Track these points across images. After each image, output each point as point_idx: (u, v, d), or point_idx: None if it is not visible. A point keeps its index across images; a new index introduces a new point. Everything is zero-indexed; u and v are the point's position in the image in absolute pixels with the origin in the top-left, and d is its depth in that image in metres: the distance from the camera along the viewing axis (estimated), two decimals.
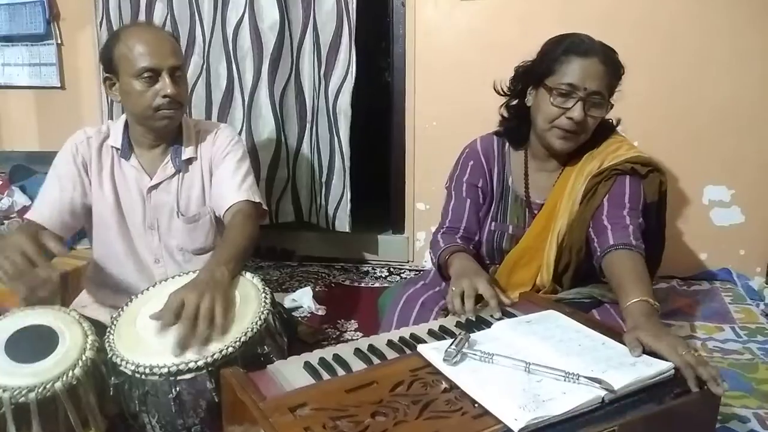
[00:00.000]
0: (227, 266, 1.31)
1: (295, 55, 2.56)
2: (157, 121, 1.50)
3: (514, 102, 1.53)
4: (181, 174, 1.58)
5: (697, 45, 2.29)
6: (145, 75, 1.44)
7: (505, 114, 1.56)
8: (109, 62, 1.49)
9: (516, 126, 1.52)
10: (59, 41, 2.84)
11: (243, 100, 2.59)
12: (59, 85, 2.89)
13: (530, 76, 1.45)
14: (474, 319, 1.20)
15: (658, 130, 2.36)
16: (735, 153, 2.34)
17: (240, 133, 2.57)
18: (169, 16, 2.61)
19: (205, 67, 2.62)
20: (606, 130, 1.48)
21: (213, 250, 1.62)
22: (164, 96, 1.45)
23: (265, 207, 1.61)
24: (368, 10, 2.57)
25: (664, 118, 2.37)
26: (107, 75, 1.52)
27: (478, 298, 1.25)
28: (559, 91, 1.36)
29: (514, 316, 1.21)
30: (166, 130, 1.54)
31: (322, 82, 2.54)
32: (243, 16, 2.50)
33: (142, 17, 2.61)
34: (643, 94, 2.36)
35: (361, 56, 2.48)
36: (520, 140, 1.53)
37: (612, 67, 1.38)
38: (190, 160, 1.59)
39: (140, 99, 1.46)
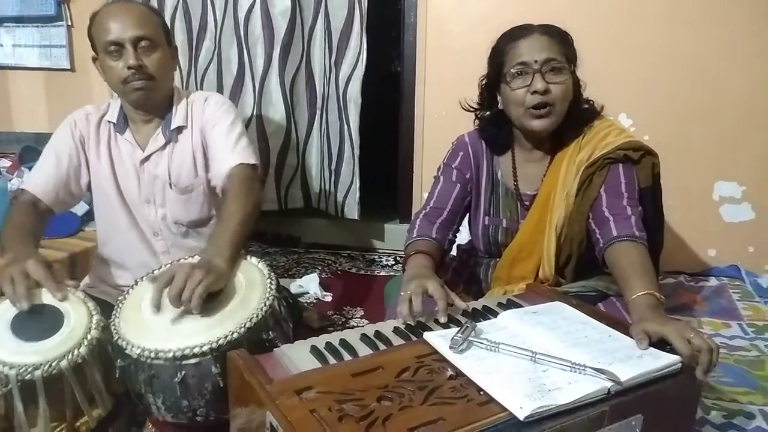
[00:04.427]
0: (225, 253, 1.29)
1: (306, 41, 2.55)
2: (129, 94, 1.49)
3: (488, 113, 1.53)
4: (171, 144, 1.57)
5: (712, 41, 2.27)
6: (111, 49, 1.44)
7: (480, 125, 1.55)
8: (91, 42, 1.51)
9: (495, 133, 1.51)
10: (69, 23, 2.85)
11: (254, 86, 2.59)
12: (69, 67, 2.90)
13: (491, 81, 1.46)
14: (413, 324, 1.14)
15: (670, 124, 2.35)
16: (747, 149, 2.32)
17: (250, 120, 2.58)
18: (181, 2, 2.60)
19: (216, 52, 2.61)
20: (590, 115, 1.46)
21: (208, 221, 1.63)
22: (129, 67, 1.44)
23: (257, 167, 1.56)
24: None
25: (676, 113, 2.35)
26: (94, 55, 1.53)
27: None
28: (513, 75, 1.36)
29: (521, 306, 1.21)
30: (145, 105, 1.52)
31: (333, 69, 2.53)
32: (255, 1, 2.50)
33: (153, 3, 2.61)
34: (656, 88, 2.35)
35: (371, 44, 2.46)
36: (501, 146, 1.52)
37: (557, 36, 1.38)
38: (180, 129, 1.57)
39: (111, 74, 1.47)
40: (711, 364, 0.96)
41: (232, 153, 1.51)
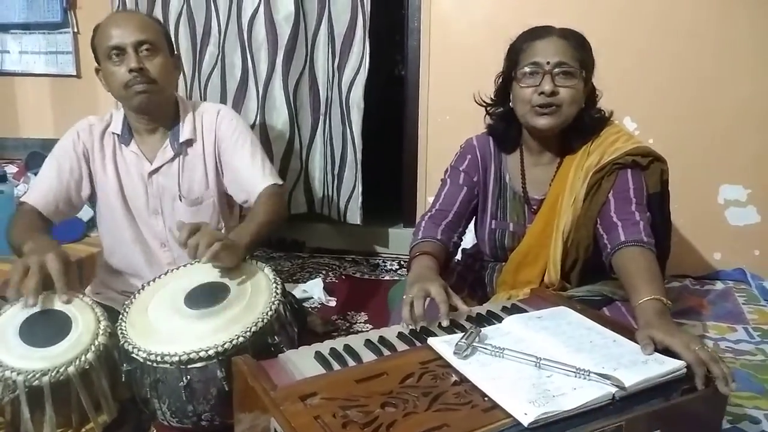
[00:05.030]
0: (245, 239, 1.37)
1: (309, 46, 2.56)
2: (131, 99, 1.49)
3: (499, 110, 1.53)
4: (180, 157, 1.58)
5: (716, 43, 2.26)
6: (113, 54, 1.45)
7: (490, 121, 1.56)
8: (94, 52, 1.52)
9: (504, 129, 1.52)
10: (76, 30, 2.86)
11: (257, 91, 2.59)
12: (75, 74, 2.91)
13: (506, 78, 1.47)
14: (416, 328, 1.13)
15: (675, 127, 2.34)
16: (752, 152, 2.31)
17: (254, 124, 2.58)
18: (185, 7, 2.61)
19: (220, 57, 2.62)
20: (600, 122, 1.46)
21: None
22: (130, 71, 1.45)
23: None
24: (383, 2, 2.57)
25: (681, 116, 2.34)
26: (97, 66, 1.54)
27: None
28: (525, 73, 1.37)
29: (525, 311, 1.21)
30: (148, 110, 1.53)
31: (336, 74, 2.53)
32: (258, 7, 2.50)
33: (158, 8, 2.62)
34: (660, 91, 2.34)
35: (375, 49, 2.47)
36: (509, 143, 1.53)
37: (574, 40, 1.38)
38: (189, 142, 1.58)
39: (113, 79, 1.48)
40: (725, 374, 0.94)
41: (262, 177, 1.57)
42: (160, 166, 1.57)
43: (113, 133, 1.58)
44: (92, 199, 1.62)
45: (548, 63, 1.34)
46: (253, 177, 1.58)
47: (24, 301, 1.20)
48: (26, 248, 1.29)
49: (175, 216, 1.59)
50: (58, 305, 1.24)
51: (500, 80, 1.50)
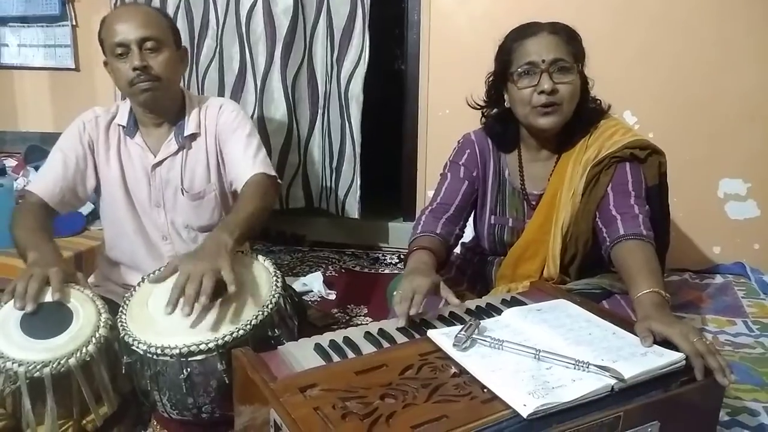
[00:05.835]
0: (232, 233, 1.30)
1: (308, 39, 2.55)
2: (137, 96, 1.49)
3: (494, 111, 1.53)
4: (184, 151, 1.58)
5: (716, 37, 2.26)
6: (118, 50, 1.45)
7: (487, 122, 1.55)
8: (101, 46, 1.52)
9: (501, 131, 1.51)
10: (74, 23, 2.85)
11: (255, 85, 2.59)
12: (74, 67, 2.90)
13: (498, 79, 1.46)
14: (404, 324, 1.13)
15: (675, 121, 2.34)
16: (752, 146, 2.31)
17: (252, 118, 2.58)
18: (183, 0, 2.61)
19: (218, 50, 2.61)
20: (597, 114, 1.46)
21: None
22: (134, 69, 1.44)
23: (279, 181, 1.61)
24: None
25: (681, 110, 2.34)
26: (105, 60, 1.53)
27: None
28: (521, 73, 1.36)
29: (524, 304, 1.21)
30: (153, 106, 1.53)
31: (335, 67, 2.53)
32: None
33: (156, 0, 2.61)
34: (660, 85, 2.34)
35: (374, 42, 2.46)
36: (508, 144, 1.52)
37: (564, 34, 1.37)
38: (193, 136, 1.58)
39: (119, 76, 1.48)
40: (723, 366, 0.95)
41: (252, 164, 1.54)
42: (164, 159, 1.57)
43: (119, 125, 1.58)
44: (96, 191, 1.61)
45: (543, 61, 1.33)
46: (241, 164, 1.54)
47: (21, 303, 1.20)
48: (31, 258, 1.30)
49: (178, 209, 1.59)
50: (60, 298, 1.24)
51: (491, 81, 1.49)
